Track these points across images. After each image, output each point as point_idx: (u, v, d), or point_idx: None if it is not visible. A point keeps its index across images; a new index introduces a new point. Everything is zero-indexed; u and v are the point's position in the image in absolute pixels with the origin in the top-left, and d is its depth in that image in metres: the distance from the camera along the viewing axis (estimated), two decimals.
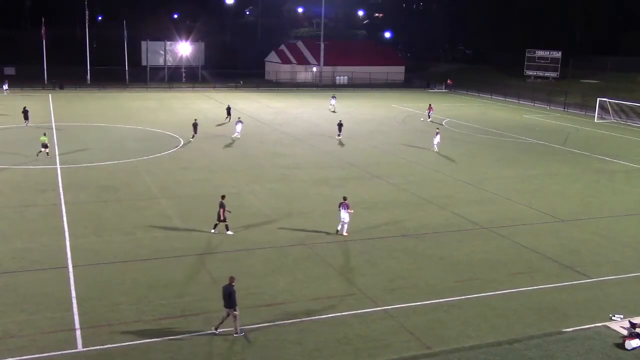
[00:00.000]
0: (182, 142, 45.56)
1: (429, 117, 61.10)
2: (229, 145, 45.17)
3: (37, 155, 38.72)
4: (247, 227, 26.52)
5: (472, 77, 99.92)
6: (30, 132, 47.65)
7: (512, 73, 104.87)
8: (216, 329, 17.41)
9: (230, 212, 25.65)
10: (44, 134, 40.33)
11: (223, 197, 25.72)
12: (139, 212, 28.55)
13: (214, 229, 25.69)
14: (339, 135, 49.51)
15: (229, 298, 17.16)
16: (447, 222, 28.39)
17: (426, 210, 30.25)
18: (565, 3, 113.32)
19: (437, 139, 45.54)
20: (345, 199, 26.17)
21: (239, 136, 47.93)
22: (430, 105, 63.68)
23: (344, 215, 25.80)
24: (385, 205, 30.82)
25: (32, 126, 49.33)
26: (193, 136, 46.88)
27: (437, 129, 48.52)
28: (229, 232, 25.60)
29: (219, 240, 25.02)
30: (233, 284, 17.48)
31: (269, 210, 29.32)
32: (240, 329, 17.43)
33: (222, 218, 25.26)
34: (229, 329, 17.54)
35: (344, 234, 25.99)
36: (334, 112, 64.51)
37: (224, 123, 55.07)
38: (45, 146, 38.95)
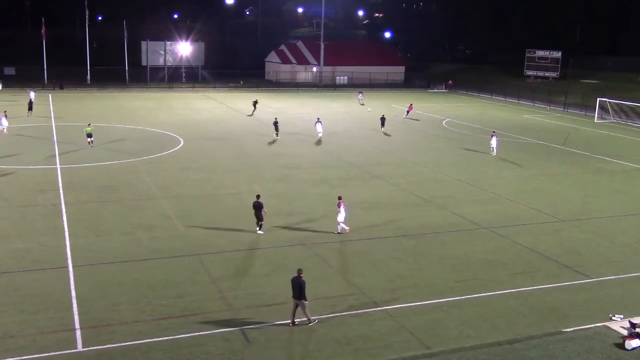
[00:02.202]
0: (182, 142, 45.58)
1: (406, 115, 62.61)
2: (231, 146, 45.16)
3: (90, 145, 42.31)
4: (247, 227, 26.49)
5: (472, 77, 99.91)
6: (30, 132, 47.70)
7: (512, 73, 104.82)
8: (292, 323, 17.83)
9: (266, 212, 25.91)
10: (89, 125, 43.89)
11: (258, 196, 26.01)
12: (139, 212, 28.55)
13: (259, 229, 25.86)
14: (382, 127, 53.68)
15: (300, 290, 17.62)
16: (447, 222, 28.38)
17: (426, 210, 30.25)
18: (565, 3, 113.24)
19: (493, 142, 44.33)
20: (340, 197, 26.27)
21: (320, 136, 49.20)
22: (410, 104, 65.11)
23: (343, 213, 25.76)
24: (385, 205, 30.82)
25: (33, 126, 49.29)
26: (276, 134, 48.80)
27: (494, 131, 47.56)
28: (260, 232, 25.89)
29: (219, 240, 25.01)
30: (302, 275, 17.92)
31: (268, 210, 29.26)
32: (313, 317, 17.93)
33: (262, 217, 25.66)
34: (229, 329, 17.56)
35: (347, 229, 26.07)
36: (362, 104, 72.47)
37: (251, 115, 60.86)
38: (90, 136, 42.62)
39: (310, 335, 17.48)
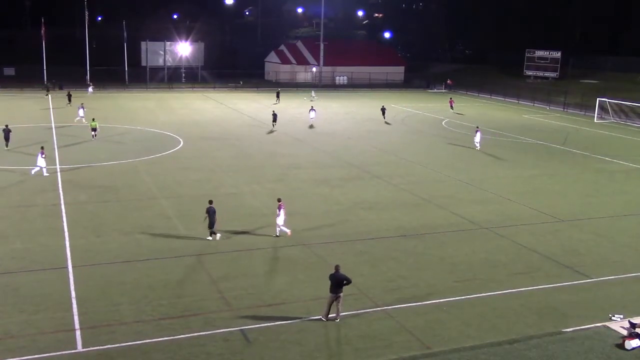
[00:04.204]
0: (182, 142, 45.59)
1: (452, 110, 68.01)
2: (231, 146, 45.18)
3: (93, 138, 44.90)
4: (246, 227, 26.50)
5: (472, 77, 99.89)
6: (30, 132, 47.75)
7: (512, 73, 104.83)
8: (326, 318, 18.15)
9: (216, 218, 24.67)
10: (93, 120, 46.09)
11: (211, 202, 24.93)
12: (139, 212, 28.55)
13: (216, 235, 24.95)
14: (384, 117, 59.49)
15: (341, 283, 17.99)
16: (447, 222, 28.39)
17: (426, 210, 30.25)
18: (565, 3, 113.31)
19: (477, 137, 46.28)
20: (279, 200, 25.69)
21: (312, 121, 56.33)
22: (450, 98, 71.61)
23: (282, 216, 25.19)
24: (385, 205, 30.82)
25: (33, 126, 49.33)
26: (274, 124, 53.09)
27: (477, 127, 48.50)
28: (212, 237, 24.87)
29: (219, 240, 24.96)
30: (339, 270, 18.24)
31: (268, 210, 29.30)
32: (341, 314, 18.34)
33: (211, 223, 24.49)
34: (229, 329, 17.58)
35: (288, 232, 25.40)
36: (312, 100, 75.09)
37: (276, 103, 69.19)
38: (94, 130, 45.01)
39: (310, 336, 17.48)
